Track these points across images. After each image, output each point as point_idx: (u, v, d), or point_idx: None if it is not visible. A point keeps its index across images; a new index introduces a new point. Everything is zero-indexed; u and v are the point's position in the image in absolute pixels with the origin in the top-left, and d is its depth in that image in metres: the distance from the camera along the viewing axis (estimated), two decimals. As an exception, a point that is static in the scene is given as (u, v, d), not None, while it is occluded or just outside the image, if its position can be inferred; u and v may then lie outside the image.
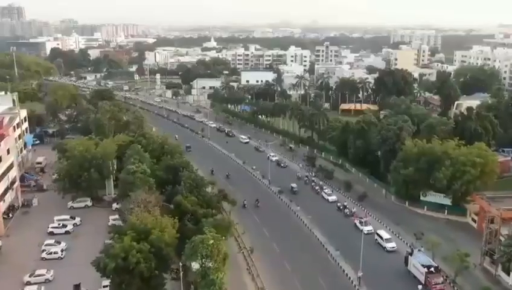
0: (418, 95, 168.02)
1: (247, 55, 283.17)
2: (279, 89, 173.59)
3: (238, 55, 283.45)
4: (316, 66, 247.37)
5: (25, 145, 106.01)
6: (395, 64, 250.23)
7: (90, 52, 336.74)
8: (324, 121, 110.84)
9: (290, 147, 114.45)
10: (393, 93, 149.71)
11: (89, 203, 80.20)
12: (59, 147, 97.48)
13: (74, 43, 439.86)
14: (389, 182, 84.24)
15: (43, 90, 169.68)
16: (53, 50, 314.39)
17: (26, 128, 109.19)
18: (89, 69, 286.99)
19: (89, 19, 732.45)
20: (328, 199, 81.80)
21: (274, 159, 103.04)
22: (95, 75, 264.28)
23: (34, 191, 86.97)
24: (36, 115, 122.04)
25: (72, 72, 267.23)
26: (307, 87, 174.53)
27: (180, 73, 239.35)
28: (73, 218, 73.51)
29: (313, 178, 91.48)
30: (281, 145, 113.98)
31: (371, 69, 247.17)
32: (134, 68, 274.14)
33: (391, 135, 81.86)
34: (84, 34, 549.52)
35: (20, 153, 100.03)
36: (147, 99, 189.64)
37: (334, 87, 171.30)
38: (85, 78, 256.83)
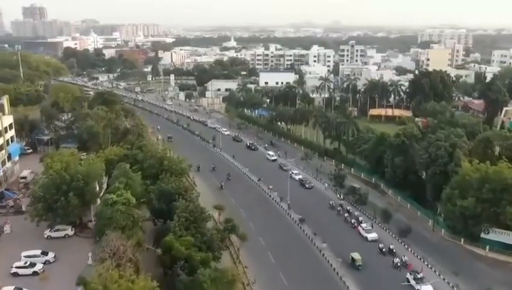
0: (457, 99, 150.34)
1: (267, 55, 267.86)
2: (300, 92, 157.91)
3: (258, 55, 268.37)
4: (340, 66, 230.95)
5: (10, 156, 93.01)
6: (427, 64, 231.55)
7: (105, 51, 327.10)
8: (353, 130, 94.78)
9: (306, 155, 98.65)
10: (429, 97, 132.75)
11: (70, 232, 65.79)
12: (46, 159, 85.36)
13: (92, 42, 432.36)
14: (436, 210, 67.97)
15: (47, 91, 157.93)
16: (66, 49, 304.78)
17: (11, 137, 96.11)
18: (103, 69, 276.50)
19: (110, 18, 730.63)
20: (366, 237, 64.48)
21: (297, 177, 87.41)
22: (108, 76, 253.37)
23: (10, 213, 73.45)
24: (29, 121, 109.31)
25: (85, 72, 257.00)
26: (331, 90, 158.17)
27: (195, 74, 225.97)
28: (45, 253, 59.27)
29: (348, 207, 74.76)
30: (303, 159, 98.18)
31: (400, 70, 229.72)
32: (149, 68, 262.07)
33: (442, 154, 65.41)
34: (104, 34, 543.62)
35: (2, 166, 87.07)
36: (158, 102, 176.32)
37: (362, 90, 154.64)
38: (97, 78, 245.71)
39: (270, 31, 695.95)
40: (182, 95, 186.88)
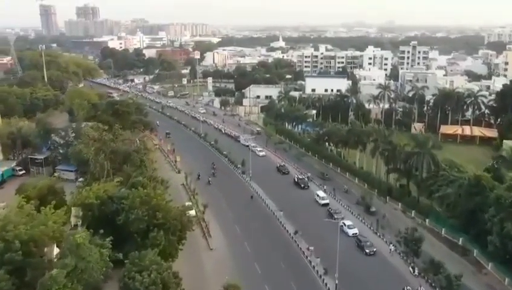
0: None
1: (316, 56, 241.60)
2: (354, 102, 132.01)
3: (306, 57, 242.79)
4: (400, 70, 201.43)
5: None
6: (505, 69, 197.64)
7: (146, 51, 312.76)
8: (430, 164, 68.39)
9: (363, 199, 73.04)
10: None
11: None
12: (22, 190, 66.36)
13: (138, 42, 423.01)
14: None
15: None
16: (104, 49, 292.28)
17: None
18: (141, 70, 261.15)
19: (161, 18, 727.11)
20: None
21: (351, 231, 62.27)
22: (144, 78, 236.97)
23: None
24: (22, 135, 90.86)
25: (121, 74, 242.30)
26: (392, 101, 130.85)
27: (235, 77, 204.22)
28: None
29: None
30: (358, 203, 72.85)
31: (471, 75, 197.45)
32: (188, 70, 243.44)
33: None
34: (152, 34, 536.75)
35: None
36: (190, 110, 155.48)
37: (431, 101, 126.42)
38: (132, 80, 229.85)
39: (321, 31, 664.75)
40: (217, 102, 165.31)
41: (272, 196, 76.43)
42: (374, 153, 79.32)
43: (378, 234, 63.39)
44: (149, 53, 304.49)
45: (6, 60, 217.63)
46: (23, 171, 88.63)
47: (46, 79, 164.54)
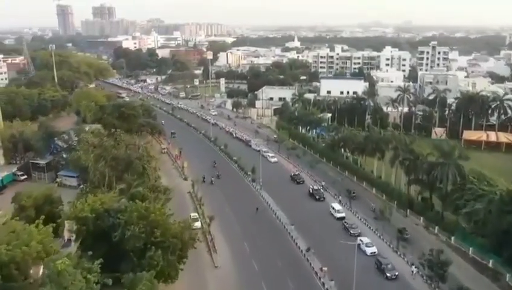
0: None
1: (332, 57, 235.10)
2: (371, 105, 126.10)
3: (321, 57, 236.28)
4: (419, 72, 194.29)
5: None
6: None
7: (160, 51, 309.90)
8: (455, 176, 62.61)
9: (382, 213, 67.25)
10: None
11: None
12: (18, 199, 62.90)
13: (153, 42, 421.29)
14: None
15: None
16: (117, 49, 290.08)
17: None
18: (153, 70, 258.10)
19: (176, 18, 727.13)
20: None
21: (369, 250, 56.78)
22: (156, 78, 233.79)
23: None
24: (24, 139, 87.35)
25: (133, 74, 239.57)
26: (411, 104, 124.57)
27: (248, 78, 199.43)
28: None
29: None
30: (375, 218, 67.25)
31: (494, 77, 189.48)
32: (201, 70, 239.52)
33: None
34: (167, 34, 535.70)
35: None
36: (201, 111, 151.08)
37: (453, 105, 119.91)
38: (144, 81, 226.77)
39: (337, 31, 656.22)
40: (229, 103, 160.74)
41: (283, 208, 71.37)
42: (394, 162, 73.62)
43: (398, 252, 57.89)
44: (162, 53, 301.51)
45: (18, 59, 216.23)
46: (25, 177, 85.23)
47: (56, 79, 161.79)
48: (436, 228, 63.23)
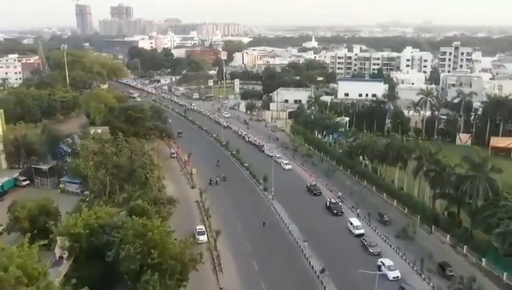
0: None
1: (350, 57, 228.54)
2: (391, 108, 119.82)
3: (339, 58, 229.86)
4: (441, 73, 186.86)
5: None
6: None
7: (175, 51, 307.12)
8: (487, 192, 56.60)
9: (405, 231, 61.09)
10: None
11: None
12: (12, 209, 59.63)
13: (169, 42, 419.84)
14: None
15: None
16: (132, 49, 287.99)
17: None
18: (168, 70, 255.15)
19: (194, 18, 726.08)
20: None
21: (392, 274, 51.07)
22: (171, 78, 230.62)
23: None
24: (27, 143, 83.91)
25: (147, 74, 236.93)
26: (434, 108, 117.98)
27: (263, 79, 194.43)
28: None
29: None
30: (397, 236, 61.30)
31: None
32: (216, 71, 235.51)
33: None
34: (184, 33, 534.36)
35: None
36: (215, 114, 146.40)
37: (479, 109, 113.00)
38: (158, 81, 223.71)
39: (356, 31, 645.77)
40: (243, 105, 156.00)
41: (296, 221, 66.10)
42: (417, 173, 67.81)
43: (423, 276, 52.21)
44: (178, 53, 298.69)
45: (33, 59, 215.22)
46: (27, 182, 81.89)
47: (67, 79, 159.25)
48: (465, 247, 57.30)
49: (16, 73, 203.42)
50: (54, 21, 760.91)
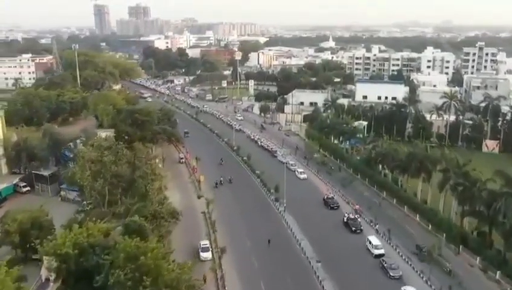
0: None
1: (368, 58, 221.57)
2: (413, 112, 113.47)
3: (357, 58, 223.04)
4: (464, 75, 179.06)
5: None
6: None
7: (190, 51, 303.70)
8: (524, 210, 50.41)
9: (430, 254, 54.70)
10: None
11: None
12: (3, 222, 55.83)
13: (185, 41, 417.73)
14: None
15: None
16: (146, 49, 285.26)
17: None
18: (182, 70, 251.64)
19: (210, 18, 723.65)
20: None
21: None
22: (184, 78, 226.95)
23: None
24: (28, 147, 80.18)
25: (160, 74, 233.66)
26: (459, 112, 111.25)
27: (278, 80, 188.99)
28: None
29: None
30: (421, 260, 54.87)
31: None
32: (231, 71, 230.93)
33: None
34: (201, 33, 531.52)
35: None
36: (227, 116, 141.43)
37: (508, 114, 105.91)
38: (172, 81, 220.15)
39: (373, 31, 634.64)
40: (256, 107, 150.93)
41: (310, 238, 60.49)
42: (443, 187, 61.83)
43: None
44: (193, 53, 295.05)
45: (46, 59, 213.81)
46: (28, 188, 78.12)
47: (78, 80, 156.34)
48: (498, 273, 51.20)
49: (29, 73, 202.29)
50: (74, 21, 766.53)
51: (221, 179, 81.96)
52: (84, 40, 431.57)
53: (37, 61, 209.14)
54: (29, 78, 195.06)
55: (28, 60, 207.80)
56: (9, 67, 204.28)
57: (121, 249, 40.23)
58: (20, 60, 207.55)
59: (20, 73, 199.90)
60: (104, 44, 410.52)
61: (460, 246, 56.99)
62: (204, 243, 58.55)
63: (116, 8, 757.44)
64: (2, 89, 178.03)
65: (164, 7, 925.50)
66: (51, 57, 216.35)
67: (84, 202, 64.97)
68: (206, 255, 56.12)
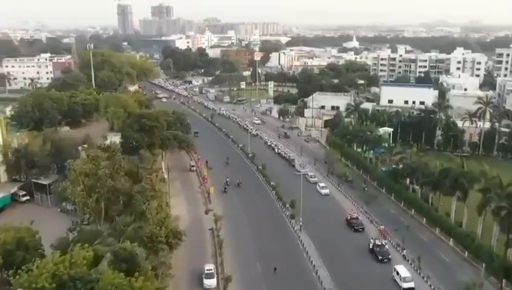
0: None
1: (394, 59, 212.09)
2: (443, 118, 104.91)
3: (381, 59, 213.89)
4: (497, 78, 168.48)
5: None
6: None
7: (210, 51, 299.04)
8: None
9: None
10: None
11: None
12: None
13: (206, 41, 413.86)
14: None
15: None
16: (165, 49, 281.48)
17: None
18: (202, 71, 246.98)
19: (232, 17, 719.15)
20: None
21: None
22: (203, 79, 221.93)
23: None
24: (28, 154, 75.36)
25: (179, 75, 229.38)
26: (495, 119, 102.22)
27: (300, 81, 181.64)
28: None
29: None
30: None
31: None
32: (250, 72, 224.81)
33: None
34: (223, 33, 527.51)
35: None
36: (245, 120, 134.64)
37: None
38: (190, 82, 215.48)
39: (399, 31, 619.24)
40: (275, 111, 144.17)
41: (328, 265, 53.33)
42: (482, 210, 53.95)
43: None
44: (213, 53, 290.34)
45: (64, 59, 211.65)
46: (27, 197, 73.41)
47: (93, 80, 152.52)
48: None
49: (47, 72, 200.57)
50: (100, 21, 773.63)
51: (227, 179, 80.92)
52: (106, 39, 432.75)
53: (55, 60, 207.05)
54: (47, 78, 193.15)
55: (46, 59, 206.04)
56: (27, 67, 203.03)
57: (102, 287, 34.23)
58: (38, 60, 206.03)
59: (38, 73, 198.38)
60: (126, 43, 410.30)
61: (504, 281, 49.12)
62: (209, 267, 52.22)
63: (140, 8, 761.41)
64: (19, 89, 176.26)
65: (187, 7, 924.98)
66: (69, 56, 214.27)
67: (78, 220, 59.35)
68: (210, 283, 49.91)
